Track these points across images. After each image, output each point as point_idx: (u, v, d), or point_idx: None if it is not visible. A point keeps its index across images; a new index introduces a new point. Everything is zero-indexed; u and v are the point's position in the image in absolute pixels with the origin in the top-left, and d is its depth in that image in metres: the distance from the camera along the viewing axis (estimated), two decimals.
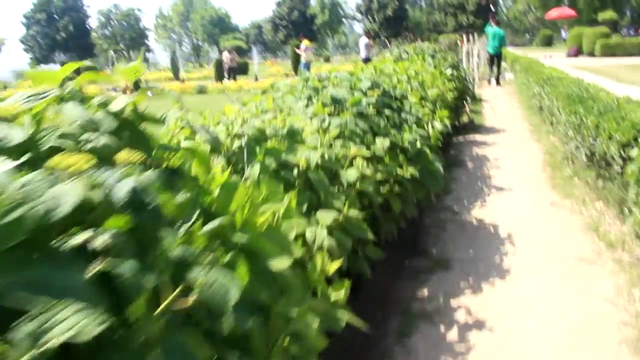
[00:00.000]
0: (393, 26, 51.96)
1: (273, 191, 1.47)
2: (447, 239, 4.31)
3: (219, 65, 25.21)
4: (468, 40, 16.82)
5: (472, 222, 4.71)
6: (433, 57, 8.65)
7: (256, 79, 25.70)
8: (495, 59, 15.62)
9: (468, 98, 10.12)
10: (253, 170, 1.95)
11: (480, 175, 6.25)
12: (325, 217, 2.13)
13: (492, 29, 15.32)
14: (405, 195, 3.34)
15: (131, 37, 70.11)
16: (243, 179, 1.84)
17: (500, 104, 11.89)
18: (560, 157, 6.37)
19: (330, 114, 3.20)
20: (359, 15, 62.40)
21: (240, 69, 33.51)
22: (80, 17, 72.07)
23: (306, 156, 2.34)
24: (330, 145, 2.73)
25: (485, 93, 14.10)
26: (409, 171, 3.34)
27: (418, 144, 3.72)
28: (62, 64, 1.67)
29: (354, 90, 3.87)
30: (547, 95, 7.63)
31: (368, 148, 2.98)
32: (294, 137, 2.53)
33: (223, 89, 21.78)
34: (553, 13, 41.32)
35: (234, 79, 24.46)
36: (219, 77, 24.62)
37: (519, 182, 5.77)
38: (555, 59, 23.25)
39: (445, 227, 4.61)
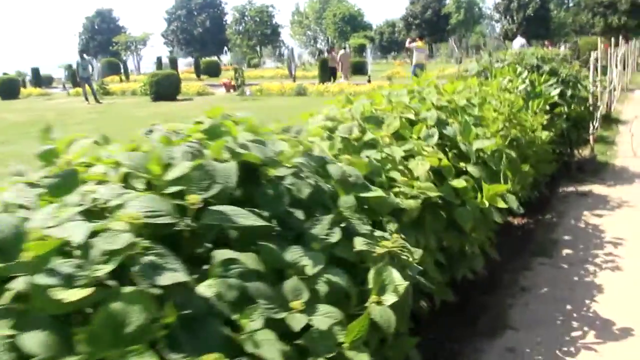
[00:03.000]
0: (534, 27, 47.28)
1: None
2: None
3: (323, 64, 23.35)
4: (617, 44, 13.56)
5: None
6: (536, 69, 6.05)
7: (369, 81, 23.67)
8: None
9: (594, 122, 7.29)
10: None
11: (578, 284, 3.64)
12: None
13: None
14: None
15: (263, 33, 70.69)
16: None
17: None
18: None
19: None
20: (496, 15, 58.08)
21: (357, 69, 31.73)
22: (217, 13, 74.03)
23: None
24: None
25: (627, 111, 10.92)
26: None
27: None
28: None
29: None
30: None
31: None
32: None
33: (323, 90, 19.92)
34: None
35: (333, 79, 22.63)
36: (323, 77, 22.76)
37: None
38: None
39: None
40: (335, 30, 73.36)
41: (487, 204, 2.65)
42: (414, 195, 2.34)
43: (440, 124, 2.95)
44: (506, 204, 2.74)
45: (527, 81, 5.27)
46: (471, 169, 2.78)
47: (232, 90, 23.34)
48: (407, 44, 21.06)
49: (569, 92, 6.14)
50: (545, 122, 4.23)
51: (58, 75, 45.41)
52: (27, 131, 14.91)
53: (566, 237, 4.34)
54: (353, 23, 72.49)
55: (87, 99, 23.42)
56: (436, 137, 2.81)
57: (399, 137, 2.74)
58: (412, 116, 2.90)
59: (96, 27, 79.33)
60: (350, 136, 2.46)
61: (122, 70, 42.73)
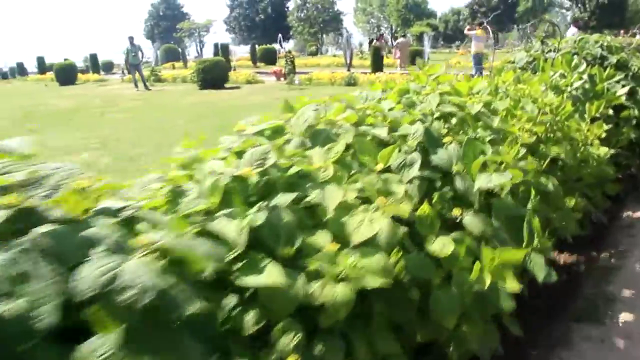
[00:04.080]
0: (607, 15, 44.04)
1: None
2: None
3: (376, 53, 22.17)
4: None
5: None
6: (600, 62, 4.87)
7: None
8: None
9: None
10: None
11: None
12: None
13: None
14: None
15: (324, 20, 69.64)
16: None
17: None
18: None
19: None
20: (567, 3, 54.79)
21: (413, 58, 30.30)
22: (279, 0, 73.58)
23: None
24: None
25: None
26: None
27: None
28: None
29: None
30: None
31: None
32: None
33: (374, 80, 18.81)
34: None
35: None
36: (375, 66, 21.60)
37: None
38: None
39: None
40: (399, 17, 71.63)
41: (488, 281, 1.64)
42: (343, 278, 1.37)
43: (431, 144, 1.94)
44: (521, 281, 1.72)
45: (585, 76, 4.12)
46: (469, 220, 1.77)
47: (282, 79, 22.58)
48: (465, 31, 19.66)
49: None
50: (604, 135, 3.12)
51: (119, 61, 45.99)
52: (66, 119, 14.63)
53: (627, 293, 3.21)
54: (417, 11, 70.50)
55: (136, 86, 23.19)
56: (416, 167, 1.81)
57: (355, 165, 1.76)
58: (382, 133, 1.90)
59: (161, 13, 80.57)
60: (250, 173, 1.51)
61: (180, 57, 42.78)
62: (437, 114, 2.28)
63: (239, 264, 1.32)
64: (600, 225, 4.03)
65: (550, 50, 5.26)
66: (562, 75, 4.15)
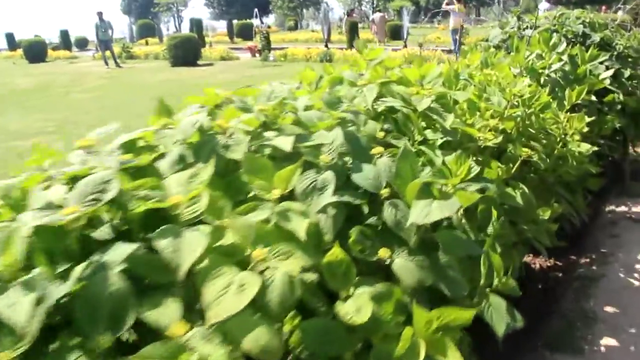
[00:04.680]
0: None
1: None
2: None
3: (352, 28, 21.49)
4: None
5: None
6: (581, 40, 4.39)
7: (405, 46, 21.90)
8: None
9: None
10: None
11: None
12: None
13: None
14: None
15: None
16: None
17: None
18: None
19: None
20: None
21: (395, 33, 29.66)
22: None
23: None
24: None
25: None
26: None
27: None
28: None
29: None
30: None
31: None
32: None
33: (350, 57, 18.24)
34: None
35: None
36: (351, 43, 20.95)
37: None
38: None
39: None
40: None
41: (422, 354, 1.17)
42: None
43: (358, 157, 1.45)
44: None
45: (565, 57, 3.64)
46: (401, 265, 1.29)
47: (257, 55, 21.89)
48: (443, 6, 19.07)
49: (627, 72, 4.44)
50: (585, 129, 2.64)
51: (94, 37, 44.46)
52: (27, 99, 13.93)
53: (609, 310, 2.76)
54: None
55: (106, 63, 22.40)
56: (330, 190, 1.32)
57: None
58: (285, 144, 1.39)
59: None
60: (70, 216, 1.02)
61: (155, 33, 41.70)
62: (381, 110, 1.79)
63: None
64: (581, 223, 3.58)
65: (527, 27, 4.76)
66: (540, 56, 3.66)
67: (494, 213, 1.62)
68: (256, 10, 32.35)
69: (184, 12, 76.55)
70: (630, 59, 4.69)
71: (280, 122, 1.51)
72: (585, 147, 2.61)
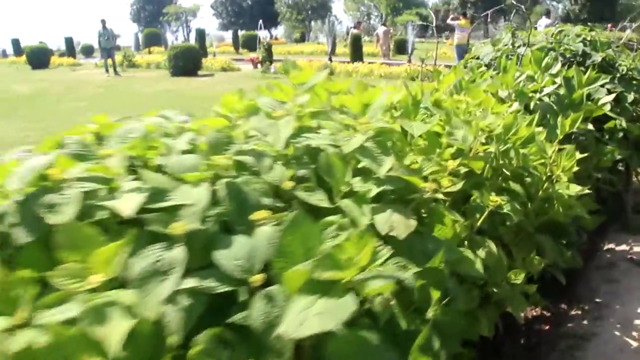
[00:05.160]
0: (598, 8, 42.76)
1: None
2: None
3: (355, 42, 21.14)
4: None
5: None
6: (581, 60, 3.98)
7: (409, 61, 21.57)
8: None
9: None
10: None
11: None
12: None
13: None
14: None
15: (312, 7, 68.28)
16: None
17: None
18: None
19: None
20: None
21: (401, 48, 29.33)
22: None
23: None
24: None
25: None
26: None
27: None
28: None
29: None
30: None
31: None
32: None
33: (351, 71, 17.91)
34: None
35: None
36: (354, 56, 20.60)
37: None
38: None
39: None
40: (388, 6, 70.44)
41: None
42: None
43: (237, 223, 1.04)
44: None
45: (559, 80, 3.23)
46: None
47: (259, 66, 21.59)
48: (448, 21, 18.73)
49: (631, 96, 4.02)
50: (575, 168, 2.22)
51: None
52: (18, 106, 13.64)
53: None
54: None
55: (107, 71, 22.18)
56: (176, 275, 0.91)
57: None
58: (124, 207, 0.98)
59: None
60: None
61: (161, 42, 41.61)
62: (302, 152, 1.39)
63: None
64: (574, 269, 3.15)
65: (523, 45, 4.35)
66: (531, 78, 3.26)
67: (433, 296, 1.21)
68: (260, 21, 32.10)
69: (193, 22, 76.49)
70: (634, 82, 4.26)
71: (141, 172, 1.10)
72: (575, 189, 2.19)
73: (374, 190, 1.34)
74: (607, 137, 3.70)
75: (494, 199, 1.69)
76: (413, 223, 1.28)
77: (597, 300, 3.06)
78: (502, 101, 3.17)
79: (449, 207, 1.60)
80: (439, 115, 1.96)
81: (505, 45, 4.36)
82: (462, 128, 1.78)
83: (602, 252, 3.74)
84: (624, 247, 3.80)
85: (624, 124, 3.73)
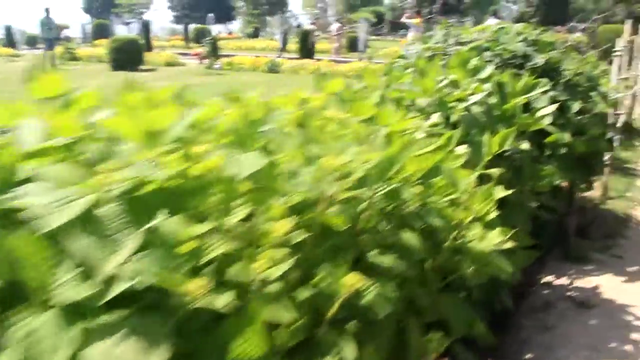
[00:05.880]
0: (552, 11, 43.00)
1: None
2: None
3: (304, 38, 20.50)
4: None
5: None
6: (520, 62, 3.43)
7: (360, 59, 21.02)
8: None
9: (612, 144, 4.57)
10: None
11: None
12: None
13: None
14: None
15: (270, 3, 67.40)
16: None
17: None
18: None
19: None
20: None
21: (354, 45, 28.76)
22: None
23: None
24: None
25: None
26: None
27: None
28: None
29: None
30: None
31: None
32: None
33: (298, 68, 17.27)
34: None
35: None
36: (302, 53, 19.97)
37: None
38: None
39: None
40: (345, 3, 70.11)
41: None
42: None
43: None
44: None
45: (488, 86, 2.66)
46: None
47: (205, 61, 20.75)
48: (402, 19, 18.29)
49: (576, 106, 3.49)
50: (493, 214, 1.64)
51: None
52: None
53: None
54: None
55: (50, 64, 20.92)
56: None
57: None
58: None
59: None
60: None
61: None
62: None
63: None
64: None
65: (458, 43, 3.79)
66: (454, 84, 2.68)
67: None
68: (211, 15, 31.14)
69: (147, 14, 74.39)
70: (580, 89, 3.75)
71: None
72: (492, 242, 1.60)
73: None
74: (548, 153, 3.18)
75: (352, 280, 1.08)
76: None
77: (528, 356, 2.51)
78: (421, 111, 2.60)
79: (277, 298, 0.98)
80: (294, 141, 1.34)
81: (437, 43, 3.79)
82: (311, 165, 1.16)
83: (538, 287, 3.21)
84: (564, 280, 3.28)
85: (567, 138, 3.20)
